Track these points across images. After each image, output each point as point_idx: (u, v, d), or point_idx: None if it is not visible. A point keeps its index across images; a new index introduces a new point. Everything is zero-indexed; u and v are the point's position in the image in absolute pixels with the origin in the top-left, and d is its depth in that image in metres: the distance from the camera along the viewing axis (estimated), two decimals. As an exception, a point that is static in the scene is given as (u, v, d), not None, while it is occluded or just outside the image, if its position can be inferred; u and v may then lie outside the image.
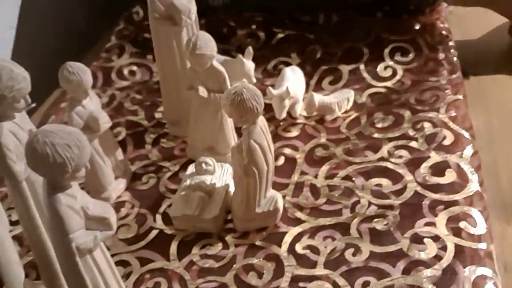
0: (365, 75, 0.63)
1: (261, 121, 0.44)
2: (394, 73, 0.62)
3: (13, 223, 0.48)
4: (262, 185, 0.45)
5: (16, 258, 0.38)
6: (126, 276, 0.44)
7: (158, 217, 0.50)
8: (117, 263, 0.45)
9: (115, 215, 0.33)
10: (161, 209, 0.50)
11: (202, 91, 0.50)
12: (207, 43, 0.48)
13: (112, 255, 0.45)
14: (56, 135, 0.29)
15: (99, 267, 0.33)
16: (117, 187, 0.52)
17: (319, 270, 0.42)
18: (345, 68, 0.64)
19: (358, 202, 0.47)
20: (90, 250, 0.32)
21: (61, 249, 0.32)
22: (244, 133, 0.43)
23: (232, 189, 0.49)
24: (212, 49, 0.49)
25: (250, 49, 0.62)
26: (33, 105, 0.63)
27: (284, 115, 0.57)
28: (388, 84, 0.61)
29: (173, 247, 0.46)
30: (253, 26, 0.74)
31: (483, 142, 0.54)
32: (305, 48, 0.69)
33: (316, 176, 0.51)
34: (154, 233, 0.48)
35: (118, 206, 0.51)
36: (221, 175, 0.50)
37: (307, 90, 0.61)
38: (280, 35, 0.72)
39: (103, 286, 0.34)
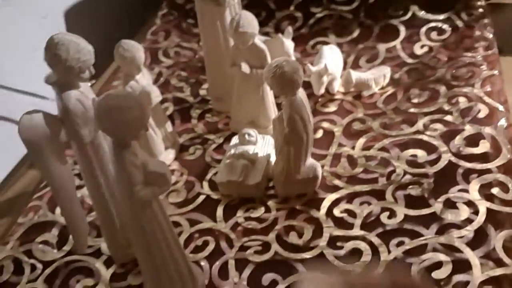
0: (401, 53, 0.65)
1: (301, 93, 0.46)
2: (430, 50, 0.64)
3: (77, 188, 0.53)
4: (302, 154, 0.48)
5: (82, 213, 0.43)
6: (177, 235, 0.48)
7: (205, 184, 0.54)
8: (168, 224, 0.49)
9: (170, 173, 0.37)
10: (208, 177, 0.54)
11: (245, 67, 0.54)
12: (250, 21, 0.51)
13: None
14: (120, 98, 0.33)
15: (157, 219, 0.37)
16: (167, 157, 0.56)
17: (356, 231, 0.45)
18: (381, 47, 0.66)
19: (393, 171, 0.50)
20: (149, 202, 0.36)
21: (125, 201, 0.36)
22: (285, 104, 0.46)
23: (273, 158, 0.52)
24: (254, 27, 0.52)
25: (289, 29, 0.65)
26: (93, 82, 0.68)
27: (322, 91, 0.60)
28: (425, 60, 0.63)
29: (219, 211, 0.50)
30: (291, 8, 0.76)
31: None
32: (342, 27, 0.71)
33: (353, 148, 0.53)
34: (201, 198, 0.52)
35: (167, 174, 0.55)
36: (263, 146, 0.53)
37: (344, 68, 0.64)
38: (318, 15, 0.74)
39: (159, 232, 0.37)
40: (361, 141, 0.54)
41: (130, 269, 0.47)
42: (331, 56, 0.61)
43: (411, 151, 0.51)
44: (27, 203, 0.56)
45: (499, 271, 0.39)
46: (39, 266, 0.49)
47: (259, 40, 0.53)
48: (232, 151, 0.53)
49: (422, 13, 0.69)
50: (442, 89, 0.58)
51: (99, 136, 0.41)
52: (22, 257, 0.50)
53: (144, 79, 0.53)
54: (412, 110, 0.56)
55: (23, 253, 0.50)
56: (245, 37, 0.52)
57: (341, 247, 0.44)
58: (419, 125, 0.54)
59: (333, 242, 0.45)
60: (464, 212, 0.44)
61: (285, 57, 0.46)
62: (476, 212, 0.44)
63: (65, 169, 0.40)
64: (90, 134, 0.40)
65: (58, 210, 0.54)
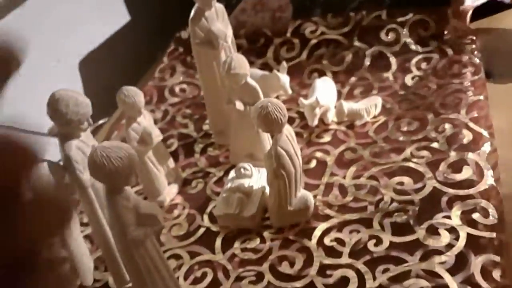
0: (393, 84, 0.67)
1: (287, 129, 0.49)
2: (420, 79, 0.66)
3: (83, 225, 0.57)
4: (292, 186, 0.51)
5: (87, 252, 0.46)
6: (178, 267, 0.52)
7: (205, 217, 0.57)
8: (171, 257, 0.53)
9: (162, 212, 0.40)
10: (208, 210, 0.57)
11: (239, 105, 0.57)
12: (241, 63, 0.55)
13: (166, 250, 0.53)
14: (111, 149, 0.36)
15: (150, 256, 0.40)
16: (170, 191, 0.60)
17: (344, 260, 0.47)
18: (374, 78, 0.69)
19: (381, 199, 0.52)
20: (142, 242, 0.39)
21: (120, 241, 0.39)
22: (272, 141, 0.49)
23: (268, 190, 0.55)
24: (245, 68, 0.55)
25: (284, 64, 0.69)
26: (101, 122, 0.73)
27: (315, 122, 0.62)
28: (415, 90, 0.65)
29: (218, 242, 0.53)
30: (288, 34, 0.79)
31: (507, 140, 0.57)
32: (335, 54, 0.74)
33: (344, 177, 0.56)
34: (201, 230, 0.55)
35: (171, 208, 0.59)
36: (258, 179, 0.56)
37: (339, 98, 0.67)
38: (314, 41, 0.77)
39: (154, 271, 0.41)
40: (352, 169, 0.57)
41: (135, 300, 0.50)
42: (324, 88, 0.64)
43: (397, 179, 0.53)
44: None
45: (476, 295, 0.41)
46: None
47: (251, 79, 0.57)
48: (229, 185, 0.56)
49: (412, 46, 0.71)
50: (430, 116, 0.60)
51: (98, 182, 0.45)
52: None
53: (145, 121, 0.57)
54: (401, 138, 0.59)
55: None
56: (237, 77, 0.55)
57: (330, 275, 0.47)
58: (407, 152, 0.56)
59: (322, 270, 0.47)
60: (446, 238, 0.46)
61: (269, 98, 0.50)
62: (457, 238, 0.46)
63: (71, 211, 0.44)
64: (90, 179, 0.44)
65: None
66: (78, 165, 0.43)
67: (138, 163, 0.38)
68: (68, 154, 0.42)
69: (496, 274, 0.42)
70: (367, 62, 0.72)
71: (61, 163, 0.44)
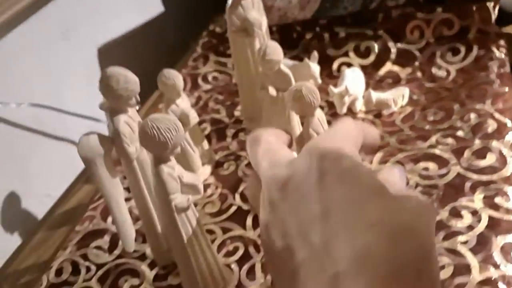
0: (420, 76, 0.69)
1: (318, 113, 0.52)
2: (448, 73, 0.68)
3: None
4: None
5: (129, 219, 0.50)
6: (211, 241, 0.54)
7: (237, 196, 0.60)
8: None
9: (202, 183, 0.43)
10: (239, 190, 0.60)
11: (272, 91, 0.60)
12: (275, 50, 0.58)
13: (200, 224, 0.56)
14: (161, 121, 0.39)
15: (191, 224, 0.44)
16: (204, 172, 0.63)
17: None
18: (401, 71, 0.71)
19: (407, 183, 0.54)
20: (184, 209, 0.42)
21: (164, 207, 0.42)
22: (304, 124, 0.52)
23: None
24: (279, 55, 0.58)
25: (315, 53, 0.71)
26: (139, 106, 0.76)
27: (344, 110, 0.65)
28: (441, 82, 0.67)
29: (249, 220, 0.56)
30: (317, 29, 0.82)
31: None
32: (363, 49, 0.76)
33: (371, 162, 0.58)
34: (233, 208, 0.58)
35: (204, 187, 0.62)
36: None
37: (366, 88, 0.69)
38: (342, 34, 0.79)
39: (194, 239, 0.44)
40: (379, 155, 0.59)
41: (171, 270, 0.53)
42: (353, 78, 0.67)
43: (422, 165, 0.56)
44: (83, 213, 0.64)
45: (496, 273, 0.43)
46: (93, 268, 0.56)
47: (284, 66, 0.60)
48: (261, 166, 0.59)
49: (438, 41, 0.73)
50: (456, 107, 0.62)
51: (143, 154, 0.48)
52: (79, 260, 0.57)
53: (183, 103, 0.60)
54: (427, 127, 0.61)
55: (79, 257, 0.58)
56: (271, 63, 0.58)
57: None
58: (432, 140, 0.58)
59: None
60: (468, 220, 0.48)
61: (303, 82, 0.52)
62: (479, 220, 0.48)
63: (116, 182, 0.48)
64: (136, 152, 0.47)
65: (109, 220, 0.61)
66: (126, 138, 0.46)
67: (184, 135, 0.41)
68: (117, 127, 0.46)
69: (517, 253, 0.44)
70: (393, 55, 0.74)
71: (109, 136, 0.47)
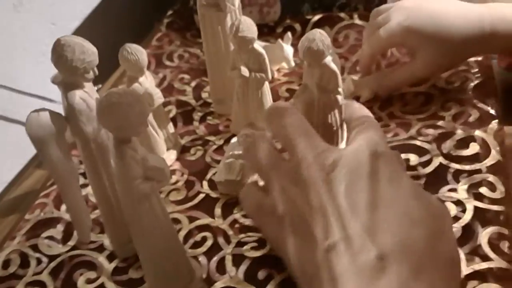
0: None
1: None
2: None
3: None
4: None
5: (85, 207, 0.45)
6: (177, 231, 0.50)
7: (205, 183, 0.55)
8: (169, 221, 0.51)
9: (168, 167, 0.39)
10: (207, 177, 0.56)
11: (244, 71, 0.56)
12: (249, 26, 0.53)
13: (165, 213, 0.51)
14: (122, 95, 0.35)
15: (155, 212, 0.39)
16: (168, 157, 0.58)
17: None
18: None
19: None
20: (148, 195, 0.38)
21: (125, 194, 0.38)
22: (308, 74, 0.49)
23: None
24: (253, 32, 0.54)
25: (289, 34, 0.67)
26: (99, 86, 0.70)
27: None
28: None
29: (218, 209, 0.52)
30: (288, 20, 0.79)
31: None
32: (338, 32, 0.73)
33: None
34: (201, 196, 0.54)
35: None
36: (261, 146, 0.55)
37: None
38: (313, 20, 0.76)
39: (157, 226, 0.39)
40: (356, 143, 0.56)
41: (132, 263, 0.49)
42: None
43: (404, 155, 0.53)
44: (34, 200, 0.58)
45: (484, 265, 0.40)
46: (45, 259, 0.51)
47: (257, 45, 0.55)
48: (231, 152, 0.55)
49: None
50: (436, 94, 0.59)
51: (102, 134, 0.43)
52: (28, 251, 0.52)
53: (147, 82, 0.55)
54: (407, 116, 0.58)
55: (29, 247, 0.52)
56: (244, 41, 0.54)
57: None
58: (413, 131, 0.55)
59: (326, 238, 0.46)
60: (452, 210, 0.45)
61: (318, 29, 0.48)
62: (463, 210, 0.45)
63: (70, 166, 0.43)
64: (94, 132, 0.42)
65: (63, 208, 0.56)
66: (82, 116, 0.41)
67: (149, 112, 0.36)
68: (72, 103, 0.40)
69: (504, 245, 0.42)
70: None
71: (63, 114, 0.42)
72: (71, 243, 0.52)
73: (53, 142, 0.41)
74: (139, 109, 0.35)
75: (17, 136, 0.72)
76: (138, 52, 0.52)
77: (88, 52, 0.40)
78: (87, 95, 0.42)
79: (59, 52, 0.39)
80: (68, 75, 0.40)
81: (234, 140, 0.57)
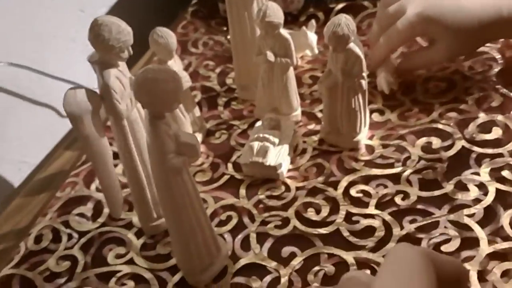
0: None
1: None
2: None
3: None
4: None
5: (118, 183, 0.46)
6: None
7: (229, 165, 0.57)
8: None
9: (200, 144, 0.40)
10: (232, 159, 0.57)
11: (270, 56, 0.57)
12: (276, 12, 0.55)
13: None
14: (159, 72, 0.36)
15: (186, 188, 0.40)
16: (194, 139, 0.60)
17: (371, 210, 0.48)
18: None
19: (409, 157, 0.52)
20: (179, 170, 0.39)
21: (158, 169, 0.39)
22: (333, 58, 0.51)
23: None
24: (280, 18, 0.55)
25: (313, 22, 0.68)
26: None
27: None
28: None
29: (242, 189, 0.53)
30: (311, 9, 0.79)
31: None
32: (361, 20, 0.74)
33: (371, 137, 0.56)
34: (225, 177, 0.55)
35: (195, 155, 0.59)
36: (285, 130, 0.56)
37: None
38: (337, 9, 0.77)
39: (188, 202, 0.41)
40: (380, 131, 0.56)
41: (159, 240, 0.50)
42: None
43: (426, 139, 0.53)
44: (64, 180, 0.60)
45: (505, 245, 0.41)
46: (75, 235, 0.53)
47: (284, 31, 0.56)
48: (256, 135, 0.56)
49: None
50: (459, 81, 0.60)
51: (134, 112, 0.45)
52: (60, 227, 0.54)
53: (175, 65, 0.56)
54: (429, 100, 0.59)
55: (60, 224, 0.54)
56: (271, 26, 0.55)
57: (357, 222, 0.47)
58: (435, 114, 0.56)
59: (349, 218, 0.48)
60: (474, 193, 0.46)
61: (344, 15, 0.49)
62: (485, 193, 0.46)
63: (104, 142, 0.44)
64: (127, 109, 0.44)
65: (93, 187, 0.58)
66: (116, 94, 0.43)
67: (182, 89, 0.37)
68: (107, 82, 0.42)
69: (526, 227, 0.42)
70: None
71: (98, 91, 0.43)
72: (101, 220, 0.54)
73: (89, 119, 0.42)
74: (173, 85, 0.36)
75: (45, 119, 0.74)
76: (168, 36, 0.54)
77: (124, 32, 0.42)
78: (121, 74, 0.43)
79: (96, 31, 0.41)
80: (104, 54, 0.42)
81: (258, 124, 0.58)
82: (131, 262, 0.49)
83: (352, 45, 0.50)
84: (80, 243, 0.52)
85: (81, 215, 0.55)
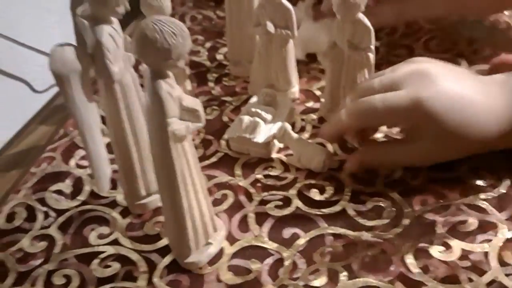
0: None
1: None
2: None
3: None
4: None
5: (105, 153, 0.42)
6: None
7: (223, 142, 0.53)
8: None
9: (203, 110, 0.36)
10: (225, 136, 0.54)
11: (270, 26, 0.53)
12: (278, -22, 0.51)
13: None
14: (165, 23, 0.32)
15: (187, 158, 0.37)
16: (184, 114, 0.55)
17: (378, 188, 0.45)
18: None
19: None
20: (182, 138, 0.35)
21: (157, 134, 0.35)
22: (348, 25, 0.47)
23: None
24: (282, -15, 0.51)
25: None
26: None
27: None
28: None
29: (238, 167, 0.50)
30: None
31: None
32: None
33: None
34: (219, 155, 0.52)
35: (184, 131, 0.55)
36: (282, 107, 0.53)
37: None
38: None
39: (188, 174, 0.37)
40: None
41: (147, 219, 0.46)
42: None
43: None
44: (39, 155, 0.55)
45: (525, 229, 0.39)
46: (53, 214, 0.48)
47: (286, 0, 0.53)
48: (249, 109, 0.52)
49: None
50: (464, 64, 0.58)
51: (128, 76, 0.41)
52: (35, 204, 0.49)
53: (167, 33, 0.52)
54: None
55: (36, 201, 0.49)
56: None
57: (364, 202, 0.44)
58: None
59: (355, 198, 0.45)
60: (490, 177, 0.44)
61: None
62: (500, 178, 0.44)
63: (92, 108, 0.40)
64: (120, 72, 0.39)
65: (72, 162, 0.53)
66: (109, 54, 0.38)
67: (190, 44, 0.33)
68: (100, 39, 0.37)
69: (542, 210, 0.40)
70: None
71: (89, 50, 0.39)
72: (81, 197, 0.49)
73: (77, 80, 0.38)
74: (181, 40, 0.32)
75: (17, 93, 0.68)
76: (162, -2, 0.49)
77: (119, -16, 0.37)
78: (115, 32, 0.39)
79: (90, -19, 0.36)
80: (99, 8, 0.37)
81: (253, 99, 0.55)
82: (115, 242, 0.44)
83: (361, 16, 0.47)
84: (58, 222, 0.47)
85: (59, 192, 0.50)
